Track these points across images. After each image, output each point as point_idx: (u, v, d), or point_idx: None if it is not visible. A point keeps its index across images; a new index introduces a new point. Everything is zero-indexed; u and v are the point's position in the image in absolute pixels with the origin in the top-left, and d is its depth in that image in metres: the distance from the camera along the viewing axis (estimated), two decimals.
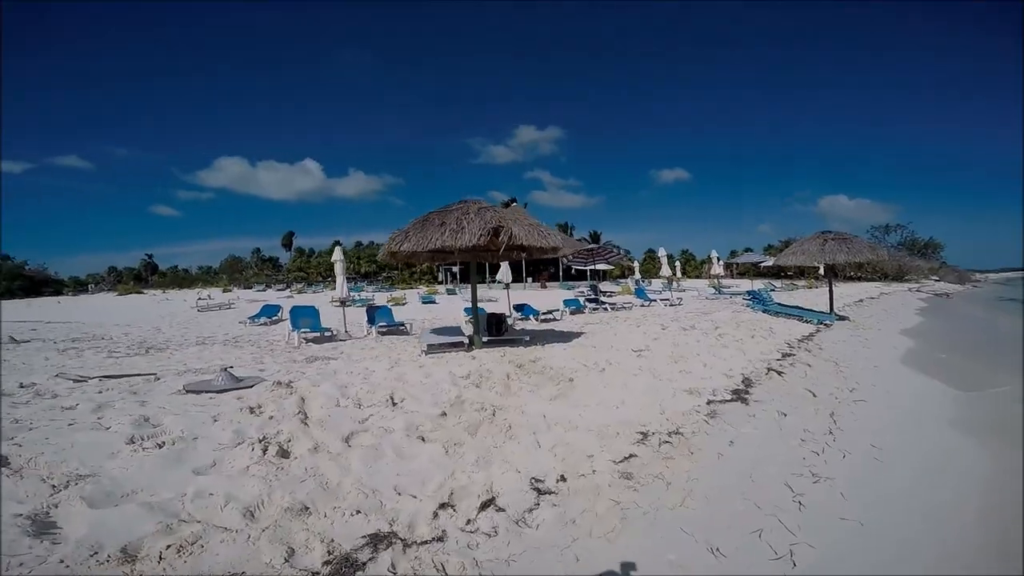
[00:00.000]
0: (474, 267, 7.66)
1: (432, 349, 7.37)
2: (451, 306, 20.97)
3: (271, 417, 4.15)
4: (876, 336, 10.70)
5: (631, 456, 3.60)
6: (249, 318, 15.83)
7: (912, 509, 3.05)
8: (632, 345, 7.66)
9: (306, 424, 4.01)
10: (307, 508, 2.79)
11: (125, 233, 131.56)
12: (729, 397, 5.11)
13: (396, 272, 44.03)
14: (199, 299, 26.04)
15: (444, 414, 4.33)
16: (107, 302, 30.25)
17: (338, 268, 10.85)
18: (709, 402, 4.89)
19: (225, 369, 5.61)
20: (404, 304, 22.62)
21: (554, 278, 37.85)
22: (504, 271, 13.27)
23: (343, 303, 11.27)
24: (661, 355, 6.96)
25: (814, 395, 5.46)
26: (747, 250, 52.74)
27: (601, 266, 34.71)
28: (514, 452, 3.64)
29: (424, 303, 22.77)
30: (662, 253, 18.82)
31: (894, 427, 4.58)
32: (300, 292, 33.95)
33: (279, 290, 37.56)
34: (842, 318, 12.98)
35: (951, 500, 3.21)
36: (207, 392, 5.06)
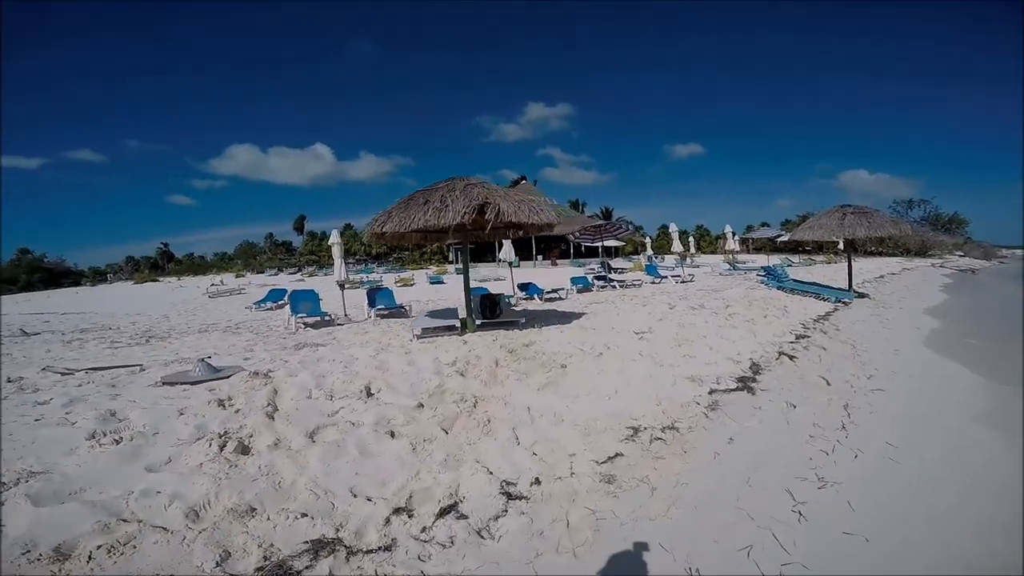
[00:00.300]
0: (466, 246, 7.30)
1: (425, 333, 7.10)
2: (459, 286, 20.58)
3: (237, 410, 3.97)
4: (897, 315, 10.11)
5: (617, 456, 3.28)
6: (254, 303, 15.78)
7: (927, 520, 2.68)
8: (635, 326, 7.27)
9: (272, 418, 3.80)
10: (253, 509, 2.63)
11: (142, 224, 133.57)
12: (734, 386, 4.73)
13: (407, 253, 43.87)
14: (211, 285, 26.25)
15: (420, 406, 4.06)
16: (124, 291, 30.71)
17: (335, 251, 10.61)
18: (711, 391, 4.53)
19: (203, 360, 5.43)
20: (412, 285, 22.43)
21: (565, 255, 37.25)
22: (507, 249, 12.87)
23: (342, 286, 11.04)
24: (664, 337, 6.58)
25: (828, 383, 5.05)
26: (763, 225, 51.31)
27: (611, 242, 34.02)
28: (489, 450, 3.35)
29: (432, 283, 22.53)
30: (673, 228, 18.15)
31: (914, 421, 4.17)
32: (311, 275, 34.05)
33: (291, 273, 37.75)
34: (862, 295, 12.35)
35: (973, 510, 2.82)
36: (183, 384, 4.90)
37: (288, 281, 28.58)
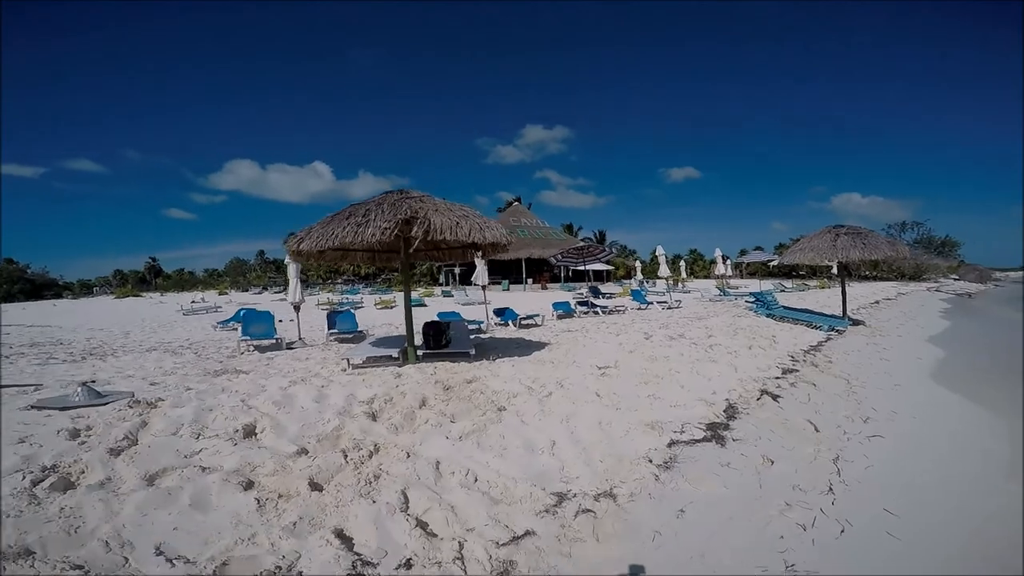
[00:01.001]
0: (405, 265, 6.55)
1: (367, 362, 6.32)
2: (440, 310, 19.93)
3: (83, 443, 3.37)
4: (897, 344, 9.35)
5: (526, 535, 2.48)
6: (219, 323, 15.00)
7: None
8: (600, 360, 6.49)
9: (116, 455, 3.18)
10: (31, 553, 2.19)
11: (139, 237, 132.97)
12: (701, 435, 3.92)
13: (395, 274, 43.08)
14: (192, 302, 25.49)
15: (303, 452, 3.29)
16: (103, 305, 29.89)
17: (291, 271, 9.88)
18: (671, 443, 3.73)
19: (86, 384, 4.80)
20: (393, 307, 21.60)
21: (556, 279, 36.58)
22: (480, 272, 12.14)
23: (296, 307, 10.30)
24: (631, 373, 5.79)
25: (816, 429, 4.26)
26: (757, 248, 50.95)
27: (599, 266, 33.34)
28: (358, 516, 2.56)
29: (413, 306, 21.76)
30: (660, 252, 17.47)
31: (920, 479, 3.37)
32: None
33: (276, 292, 36.87)
34: (857, 322, 11.63)
35: None
36: (53, 409, 4.30)
37: (270, 300, 27.74)
